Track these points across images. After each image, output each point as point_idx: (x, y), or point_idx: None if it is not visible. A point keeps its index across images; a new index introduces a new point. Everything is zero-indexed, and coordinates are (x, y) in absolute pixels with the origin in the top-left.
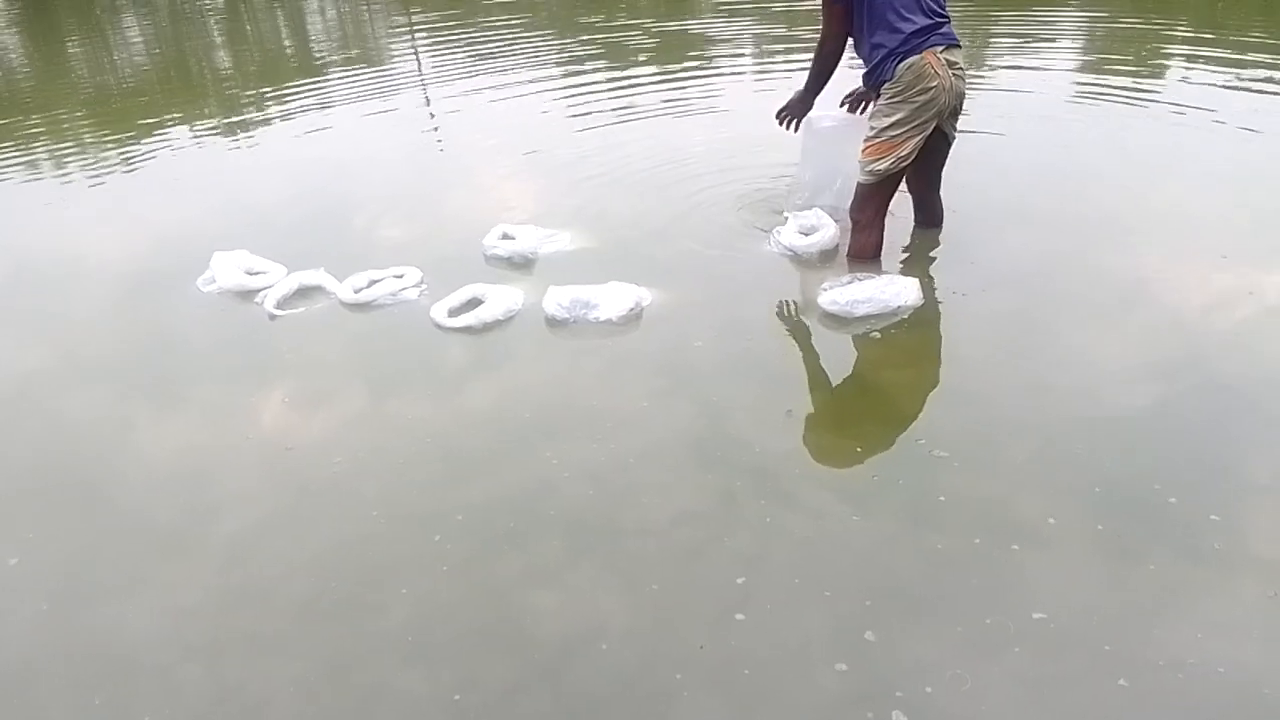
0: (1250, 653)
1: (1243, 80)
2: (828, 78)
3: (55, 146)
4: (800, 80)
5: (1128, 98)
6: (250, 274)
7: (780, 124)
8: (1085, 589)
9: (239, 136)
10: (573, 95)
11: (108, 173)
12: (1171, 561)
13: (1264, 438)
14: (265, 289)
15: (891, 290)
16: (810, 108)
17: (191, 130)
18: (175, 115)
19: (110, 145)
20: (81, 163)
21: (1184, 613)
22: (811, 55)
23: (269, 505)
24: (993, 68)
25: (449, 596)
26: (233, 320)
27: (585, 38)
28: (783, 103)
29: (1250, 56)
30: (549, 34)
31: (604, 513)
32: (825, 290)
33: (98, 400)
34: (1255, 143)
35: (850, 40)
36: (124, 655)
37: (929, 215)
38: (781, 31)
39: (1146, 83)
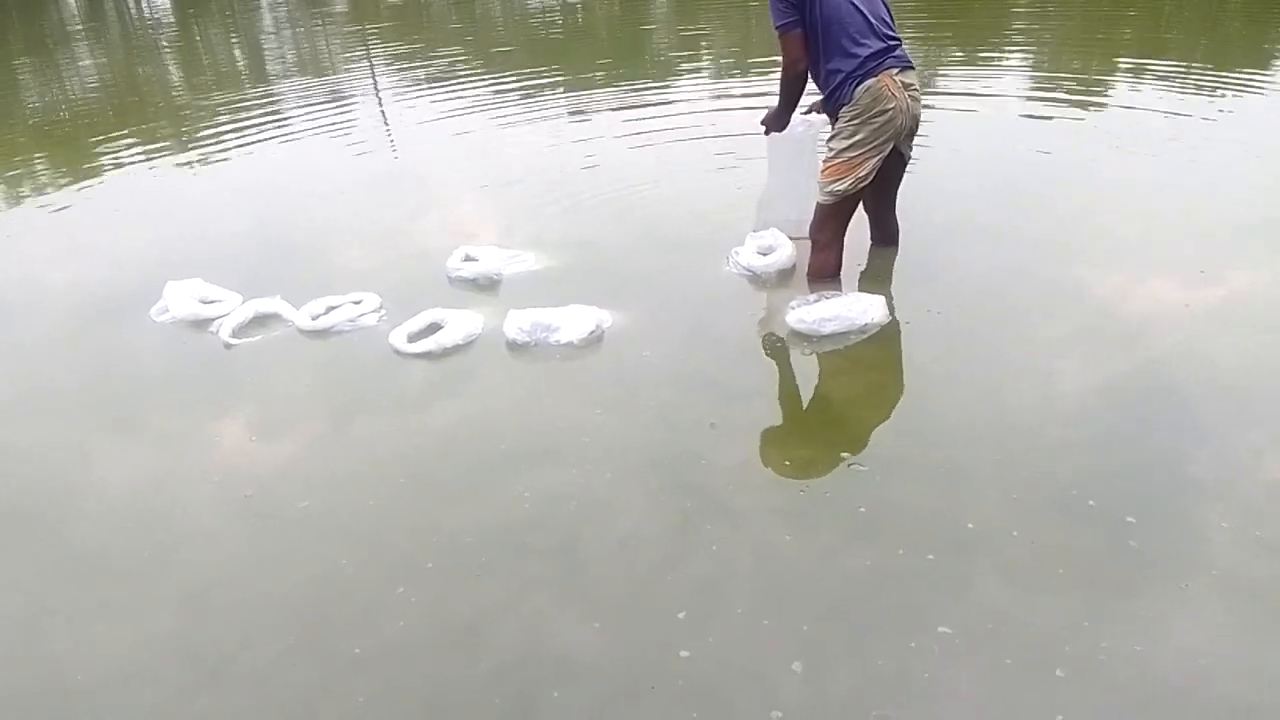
0: (1174, 638)
1: (1192, 98)
2: (799, 99)
3: (2, 172)
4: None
5: (1077, 115)
6: (205, 303)
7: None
8: (1007, 592)
9: (191, 161)
10: (531, 114)
11: (57, 199)
12: (1088, 560)
13: (1184, 442)
14: (220, 318)
15: (858, 308)
16: (787, 124)
17: (143, 154)
18: (126, 139)
19: (61, 171)
20: (30, 189)
21: (1103, 606)
22: (779, 83)
23: (228, 548)
24: (944, 88)
25: (412, 647)
26: (188, 350)
27: (542, 55)
28: (760, 116)
29: (1197, 75)
30: (506, 52)
31: (557, 547)
32: (793, 309)
33: (49, 435)
34: (1205, 159)
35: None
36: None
37: (885, 234)
38: (738, 45)
39: (1095, 100)
